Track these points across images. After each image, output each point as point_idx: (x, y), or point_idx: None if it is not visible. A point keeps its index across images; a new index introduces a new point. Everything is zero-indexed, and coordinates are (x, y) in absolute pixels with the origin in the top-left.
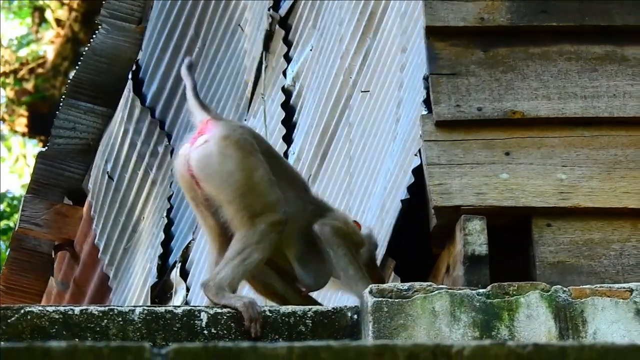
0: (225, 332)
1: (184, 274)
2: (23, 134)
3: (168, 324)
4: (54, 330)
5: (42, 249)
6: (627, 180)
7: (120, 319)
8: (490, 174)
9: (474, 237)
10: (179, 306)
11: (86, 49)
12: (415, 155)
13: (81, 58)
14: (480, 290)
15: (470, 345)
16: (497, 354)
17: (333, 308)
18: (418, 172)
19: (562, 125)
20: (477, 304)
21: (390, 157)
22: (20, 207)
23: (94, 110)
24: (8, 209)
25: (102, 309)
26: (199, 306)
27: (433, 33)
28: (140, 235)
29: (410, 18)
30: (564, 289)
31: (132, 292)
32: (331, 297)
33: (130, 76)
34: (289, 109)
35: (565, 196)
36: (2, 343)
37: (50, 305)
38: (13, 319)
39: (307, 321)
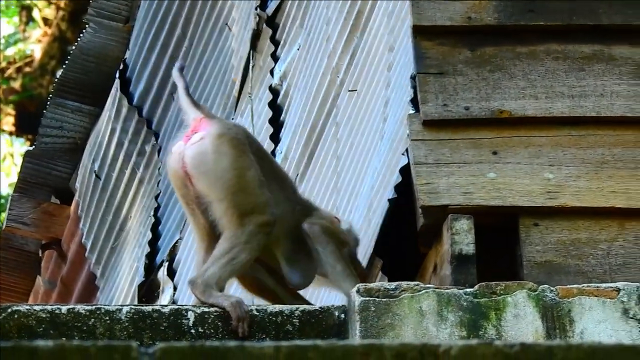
0: (212, 331)
1: (171, 273)
2: (10, 133)
3: (155, 323)
4: (41, 329)
5: (29, 247)
6: (614, 179)
7: (107, 318)
8: (477, 174)
9: (461, 236)
10: (166, 305)
11: (73, 47)
12: (403, 154)
13: (68, 57)
14: (468, 290)
15: (458, 344)
16: (484, 354)
17: (320, 307)
18: (405, 171)
19: (549, 125)
20: (465, 304)
21: (378, 156)
22: (8, 206)
23: (81, 109)
24: None
25: (89, 308)
26: (186, 305)
27: (420, 32)
28: (128, 234)
29: (398, 17)
30: (551, 288)
31: (120, 291)
32: (321, 297)
33: (117, 75)
34: (276, 108)
35: (553, 195)
36: None
37: (38, 304)
38: (0, 318)
39: (294, 320)
